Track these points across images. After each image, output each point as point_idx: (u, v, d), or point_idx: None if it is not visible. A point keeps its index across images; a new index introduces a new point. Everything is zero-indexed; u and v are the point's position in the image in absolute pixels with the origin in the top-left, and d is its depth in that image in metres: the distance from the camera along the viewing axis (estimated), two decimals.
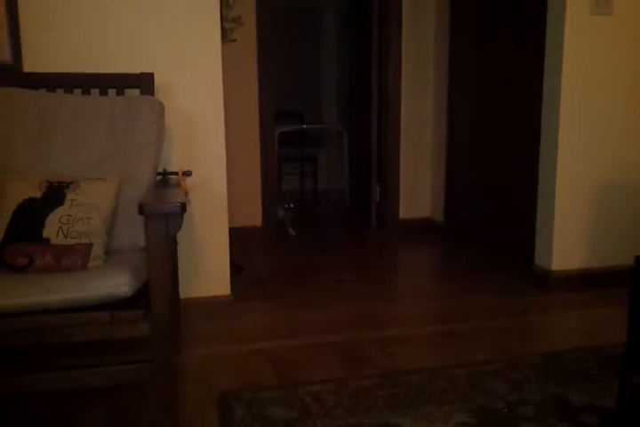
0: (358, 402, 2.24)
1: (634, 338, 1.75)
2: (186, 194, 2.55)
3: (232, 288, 3.26)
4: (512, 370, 2.55)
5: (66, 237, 2.25)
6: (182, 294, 2.90)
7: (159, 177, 2.71)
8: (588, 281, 3.58)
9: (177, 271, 2.71)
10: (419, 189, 5.22)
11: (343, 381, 2.41)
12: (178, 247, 2.82)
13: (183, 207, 1.92)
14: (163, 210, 1.92)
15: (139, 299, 1.94)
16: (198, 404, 2.22)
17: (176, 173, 2.75)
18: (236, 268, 3.74)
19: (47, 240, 2.26)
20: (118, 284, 1.92)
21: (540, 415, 2.18)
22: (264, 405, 2.20)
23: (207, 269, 3.15)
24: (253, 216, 4.81)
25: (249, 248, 4.56)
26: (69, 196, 2.31)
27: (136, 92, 2.78)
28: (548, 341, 2.97)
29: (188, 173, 2.76)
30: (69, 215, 2.30)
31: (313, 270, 4.09)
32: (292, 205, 3.97)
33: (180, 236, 2.79)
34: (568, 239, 3.60)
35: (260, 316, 3.25)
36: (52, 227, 2.27)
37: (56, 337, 1.86)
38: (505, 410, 2.21)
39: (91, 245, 2.21)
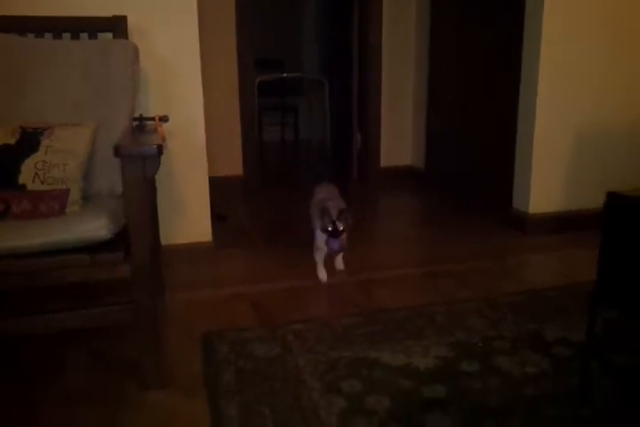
0: (339, 339, 2.31)
1: (604, 272, 1.79)
2: (163, 139, 2.52)
3: (214, 237, 3.27)
4: (490, 308, 2.62)
5: (42, 182, 2.23)
6: (164, 241, 2.91)
7: (135, 123, 2.66)
8: (564, 223, 3.65)
9: (157, 217, 2.71)
10: (400, 138, 5.20)
11: (324, 320, 2.47)
12: (158, 194, 2.80)
13: (160, 149, 1.90)
14: (139, 152, 1.90)
15: (118, 242, 1.95)
16: (181, 345, 2.26)
17: (153, 119, 2.71)
18: (219, 217, 3.75)
19: (23, 186, 2.24)
20: (96, 227, 1.92)
21: (514, 348, 2.26)
22: (247, 343, 2.25)
23: (188, 217, 3.16)
24: (234, 166, 4.78)
25: (231, 198, 4.55)
26: (44, 142, 2.27)
27: (109, 36, 2.70)
28: (526, 280, 3.04)
29: (164, 119, 2.72)
30: (45, 162, 2.27)
31: (295, 219, 4.10)
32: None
33: (160, 182, 2.77)
34: (545, 183, 3.64)
35: (242, 262, 3.28)
36: (28, 173, 2.25)
37: (38, 280, 1.87)
38: (480, 344, 2.28)
39: (68, 190, 2.19)
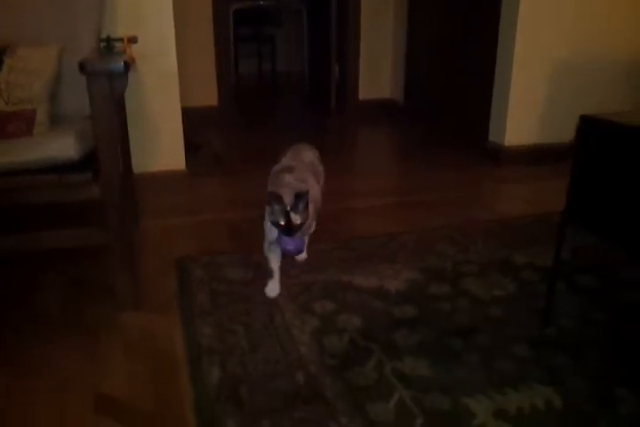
0: (313, 263, 2.33)
1: (574, 194, 1.81)
2: (132, 60, 2.44)
3: (188, 165, 3.23)
4: (461, 235, 2.66)
5: (7, 103, 2.16)
6: (137, 169, 2.86)
7: (103, 44, 2.56)
8: (539, 156, 3.66)
9: (128, 142, 2.65)
10: (379, 70, 5.10)
11: None
12: (130, 122, 2.73)
13: (127, 66, 1.84)
14: (105, 68, 1.83)
15: (87, 163, 1.92)
16: (155, 269, 2.27)
17: (121, 40, 2.61)
18: (193, 146, 3.69)
19: None
20: (64, 147, 1.88)
21: (483, 272, 2.31)
22: (221, 267, 2.27)
23: (161, 144, 3.10)
24: (209, 96, 4.67)
25: (205, 128, 4.47)
26: (7, 62, 2.20)
27: None
28: (497, 210, 3.07)
29: (133, 40, 2.62)
30: (8, 81, 2.19)
31: (270, 149, 4.05)
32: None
33: (132, 110, 2.71)
34: (521, 116, 3.63)
35: (217, 189, 3.27)
36: None
37: (6, 199, 1.84)
38: (450, 269, 2.33)
39: (34, 111, 2.13)
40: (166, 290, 2.11)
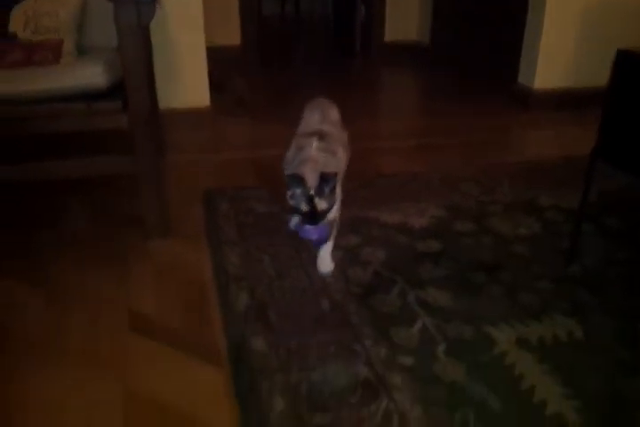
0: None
1: (606, 131, 1.78)
2: None
3: (212, 104, 3.21)
4: (486, 176, 2.64)
5: (34, 32, 2.16)
6: (161, 105, 2.86)
7: None
8: (569, 100, 3.58)
9: (153, 76, 2.64)
10: (405, 11, 4.94)
11: None
12: (155, 59, 2.71)
13: None
14: None
15: (115, 92, 1.92)
16: (182, 200, 2.30)
17: None
18: (216, 86, 3.65)
19: (14, 35, 2.16)
20: (92, 74, 1.88)
21: (508, 212, 2.31)
22: (247, 200, 2.30)
23: (185, 80, 3.08)
24: (232, 35, 4.59)
25: (228, 67, 4.41)
26: None
27: None
28: (525, 153, 3.05)
29: None
30: (35, 9, 2.18)
31: (294, 90, 4.02)
32: None
33: (156, 43, 2.67)
34: (552, 58, 3.52)
35: (241, 129, 3.26)
36: (18, 20, 2.17)
37: (39, 128, 1.86)
38: (475, 208, 2.33)
39: (61, 40, 2.12)
40: (193, 221, 2.15)
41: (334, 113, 2.01)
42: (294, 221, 1.78)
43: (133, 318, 1.64)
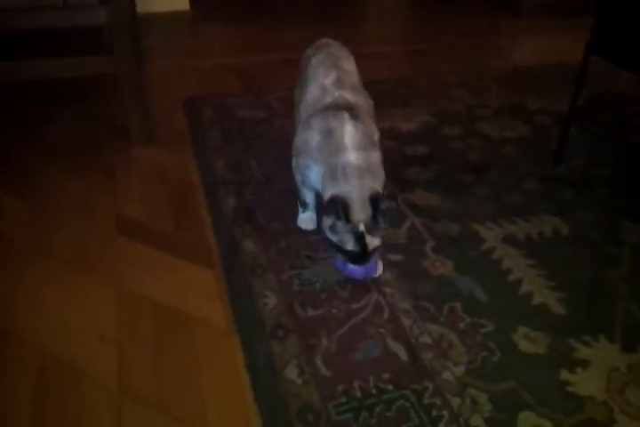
0: None
1: (601, 23, 1.72)
2: None
3: (192, 7, 3.05)
4: (475, 81, 2.59)
5: None
6: (139, 9, 2.70)
7: None
8: (560, 8, 3.44)
9: None
10: None
11: None
12: None
13: None
14: None
15: None
16: (166, 108, 2.24)
17: None
18: None
19: None
20: None
21: (497, 116, 2.28)
22: (232, 107, 2.24)
23: None
24: None
25: None
26: None
27: None
28: (513, 59, 2.98)
29: None
30: None
31: None
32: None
33: None
34: None
35: (224, 33, 3.11)
36: None
37: (12, 23, 1.75)
38: (464, 111, 2.29)
39: None
40: (177, 128, 2.10)
41: (351, 66, 1.53)
42: (308, 218, 1.50)
43: (122, 222, 1.63)
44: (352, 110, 1.34)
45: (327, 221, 1.24)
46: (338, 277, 1.43)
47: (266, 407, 1.13)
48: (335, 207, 1.21)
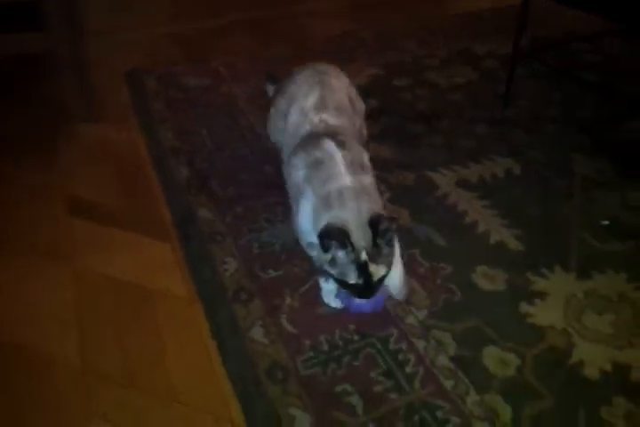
0: (271, 67, 2.23)
1: None
2: None
3: None
4: (422, 30, 2.56)
5: None
6: None
7: None
8: None
9: None
10: None
11: (255, 51, 2.38)
12: None
13: None
14: None
15: None
16: (106, 81, 2.16)
17: None
18: None
19: None
20: None
21: (445, 64, 2.26)
22: (176, 76, 2.18)
23: None
24: None
25: None
26: None
27: None
28: (459, 5, 2.92)
29: None
30: None
31: None
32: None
33: None
34: None
35: (163, 2, 3.01)
36: None
37: None
38: (410, 61, 2.28)
39: None
40: (121, 102, 2.04)
41: (339, 82, 1.41)
42: (333, 291, 1.23)
43: (72, 202, 1.59)
44: (336, 137, 1.23)
45: (326, 257, 1.09)
46: (296, 237, 1.42)
47: (234, 370, 1.14)
48: (333, 237, 1.06)
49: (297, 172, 1.21)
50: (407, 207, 1.52)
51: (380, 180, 1.61)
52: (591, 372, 1.11)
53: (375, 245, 1.07)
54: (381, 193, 1.54)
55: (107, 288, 1.34)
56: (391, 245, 1.10)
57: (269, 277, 1.34)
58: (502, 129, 1.85)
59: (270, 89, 1.64)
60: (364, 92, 2.05)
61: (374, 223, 1.07)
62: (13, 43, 1.76)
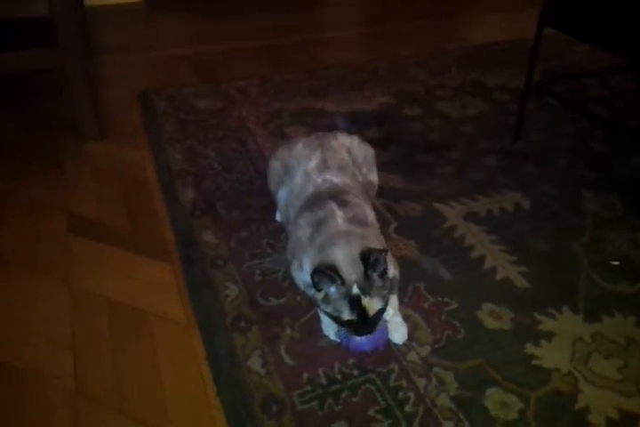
0: (282, 92, 2.26)
1: None
2: None
3: None
4: (434, 61, 2.57)
5: None
6: (91, 1, 2.63)
7: None
8: None
9: None
10: None
11: (267, 76, 2.39)
12: None
13: None
14: None
15: None
16: (117, 101, 2.18)
17: None
18: None
19: None
20: None
21: (456, 95, 2.26)
22: (187, 98, 2.19)
23: None
24: None
25: None
26: None
27: None
28: (471, 38, 2.96)
29: None
30: None
31: None
32: None
33: None
34: None
35: (177, 24, 3.05)
36: None
37: None
38: (423, 92, 2.28)
39: None
40: (131, 122, 2.04)
41: (338, 143, 1.42)
42: (333, 323, 1.18)
43: (74, 220, 1.58)
44: (339, 196, 1.26)
45: (320, 295, 1.09)
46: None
47: (229, 400, 1.11)
48: (323, 273, 1.05)
49: (302, 230, 1.23)
50: (414, 239, 1.49)
51: (388, 209, 1.60)
52: (597, 419, 1.07)
53: (367, 277, 1.07)
54: (388, 223, 1.54)
55: (103, 308, 1.31)
56: (385, 279, 1.09)
57: (270, 305, 1.31)
58: (512, 161, 1.84)
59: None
60: (375, 120, 2.06)
61: (365, 256, 1.08)
62: (22, 59, 1.76)
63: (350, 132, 1.49)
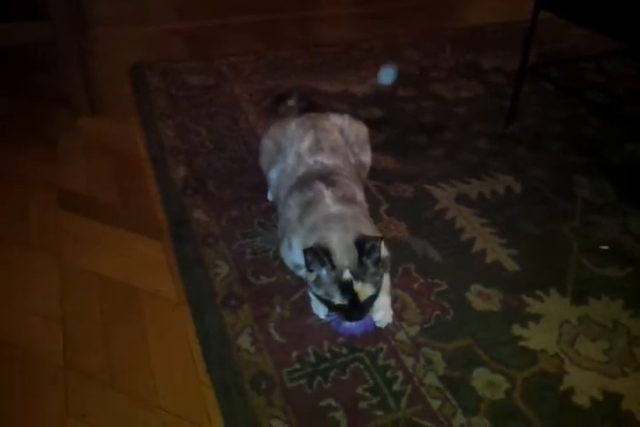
0: (276, 69, 2.24)
1: None
2: None
3: None
4: (428, 42, 2.55)
5: None
6: None
7: None
8: None
9: None
10: None
11: (260, 53, 2.36)
12: None
13: None
14: None
15: None
16: (111, 77, 2.15)
17: None
18: None
19: None
20: None
21: (451, 76, 2.25)
22: (179, 74, 2.16)
23: None
24: None
25: None
26: None
27: None
28: (467, 19, 2.93)
29: None
30: None
31: None
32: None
33: None
34: None
35: None
36: None
37: None
38: (418, 73, 2.26)
39: None
40: (123, 97, 2.02)
41: (330, 123, 1.42)
42: (325, 313, 1.19)
43: (65, 196, 1.56)
44: (328, 176, 1.26)
45: (311, 276, 1.10)
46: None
47: (218, 377, 1.12)
48: (316, 254, 1.06)
49: (291, 211, 1.25)
50: (405, 220, 1.50)
51: (379, 190, 1.60)
52: (582, 399, 1.09)
53: (361, 263, 1.08)
54: (379, 204, 1.54)
55: (94, 285, 1.31)
56: (379, 266, 1.10)
57: (261, 283, 1.31)
58: (505, 145, 1.84)
59: (287, 104, 1.60)
60: (368, 101, 2.04)
61: (360, 242, 1.08)
62: (15, 31, 1.72)
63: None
